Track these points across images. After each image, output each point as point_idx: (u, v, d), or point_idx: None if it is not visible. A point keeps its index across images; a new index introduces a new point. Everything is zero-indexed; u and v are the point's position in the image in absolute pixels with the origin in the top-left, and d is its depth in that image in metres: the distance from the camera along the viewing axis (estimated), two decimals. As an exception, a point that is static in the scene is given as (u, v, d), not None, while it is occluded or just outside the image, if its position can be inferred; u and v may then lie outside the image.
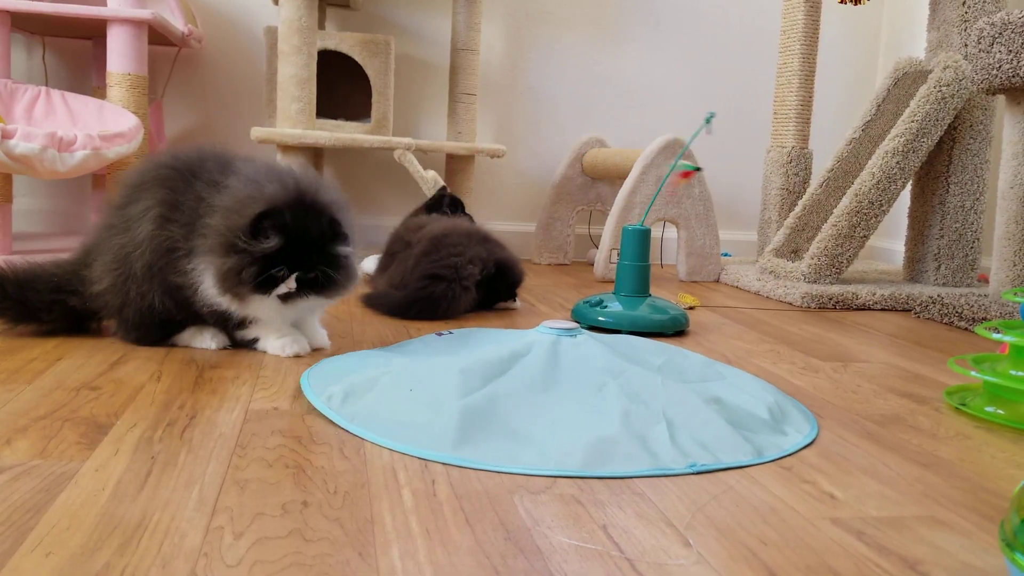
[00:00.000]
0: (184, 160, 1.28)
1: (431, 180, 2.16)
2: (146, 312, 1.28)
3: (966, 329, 1.88)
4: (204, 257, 1.20)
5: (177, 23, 2.31)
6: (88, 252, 1.33)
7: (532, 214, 2.84)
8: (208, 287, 1.21)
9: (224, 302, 1.22)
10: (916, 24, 2.89)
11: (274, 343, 1.31)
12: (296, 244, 1.19)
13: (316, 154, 2.53)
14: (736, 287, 2.37)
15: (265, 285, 1.20)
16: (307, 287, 1.22)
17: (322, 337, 1.39)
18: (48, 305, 1.34)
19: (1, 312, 1.33)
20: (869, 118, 2.38)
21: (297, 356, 1.31)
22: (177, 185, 1.25)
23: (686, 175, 1.82)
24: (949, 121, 2.19)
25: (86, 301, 1.33)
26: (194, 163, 1.27)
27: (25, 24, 2.26)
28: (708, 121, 1.70)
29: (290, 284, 1.21)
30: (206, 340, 1.33)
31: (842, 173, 2.38)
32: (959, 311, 1.90)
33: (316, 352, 1.35)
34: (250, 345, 1.33)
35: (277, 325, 1.31)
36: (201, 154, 1.29)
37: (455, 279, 1.67)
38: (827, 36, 2.96)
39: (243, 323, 1.30)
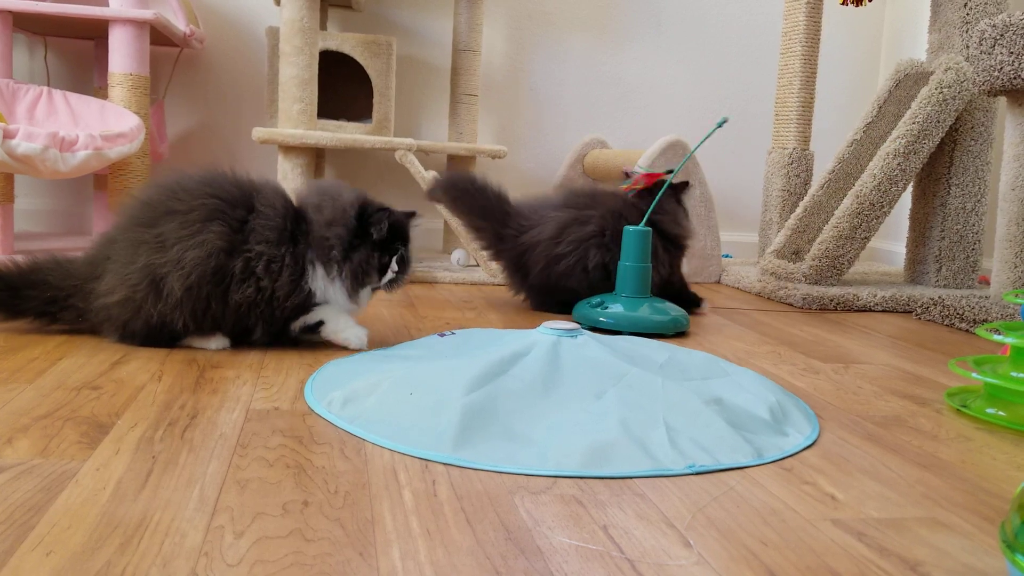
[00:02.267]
0: (225, 190, 1.31)
1: (432, 181, 2.16)
2: (156, 327, 1.29)
3: (967, 331, 1.88)
4: (321, 267, 1.31)
5: (179, 24, 2.31)
6: (97, 265, 1.32)
7: (533, 215, 2.83)
8: (327, 289, 1.33)
9: (343, 298, 1.35)
10: (917, 26, 2.89)
11: (347, 335, 1.36)
12: (394, 229, 1.36)
13: (317, 155, 2.54)
14: (737, 288, 2.37)
15: (381, 273, 1.36)
16: (400, 268, 1.38)
17: None
18: (38, 313, 1.35)
19: None
20: (870, 120, 2.38)
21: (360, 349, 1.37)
22: (231, 215, 1.28)
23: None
24: (950, 123, 2.19)
25: (81, 316, 1.34)
26: (238, 193, 1.31)
27: (27, 24, 2.26)
28: (720, 125, 1.71)
29: (394, 267, 1.36)
30: (208, 341, 1.33)
31: (843, 175, 2.38)
32: (960, 313, 1.90)
33: (327, 347, 1.35)
34: (313, 331, 1.36)
35: (343, 316, 1.36)
36: (235, 181, 1.33)
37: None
38: (828, 38, 2.96)
39: (306, 311, 1.34)
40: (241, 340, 1.36)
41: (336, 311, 1.35)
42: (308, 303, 1.32)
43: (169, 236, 1.26)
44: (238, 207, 1.29)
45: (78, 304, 1.33)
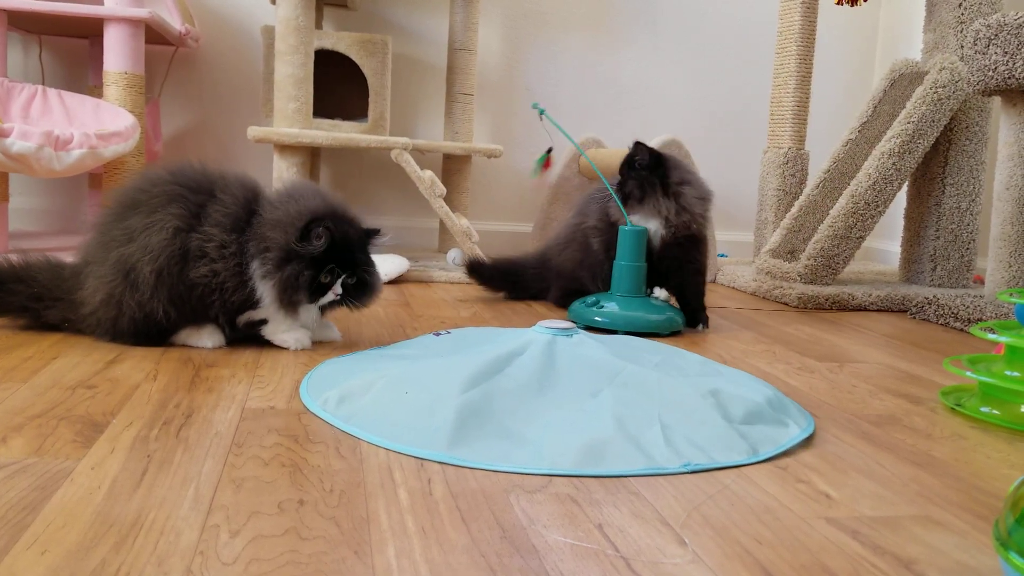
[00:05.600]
0: (188, 177, 1.31)
1: (428, 180, 2.16)
2: (141, 321, 1.29)
3: (962, 330, 1.88)
4: (262, 268, 1.27)
5: (174, 22, 2.31)
6: (79, 275, 1.33)
7: (529, 214, 2.84)
8: (265, 294, 1.28)
9: (277, 312, 1.31)
10: (912, 26, 2.89)
11: (285, 336, 1.35)
12: (339, 248, 1.28)
13: (313, 154, 2.53)
14: (732, 288, 2.37)
15: (316, 293, 1.29)
16: (349, 293, 1.32)
17: (333, 331, 1.44)
18: (20, 309, 1.35)
19: None
20: (865, 119, 2.39)
21: (303, 349, 1.35)
22: (190, 200, 1.28)
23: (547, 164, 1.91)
24: (945, 122, 2.19)
25: (66, 320, 1.34)
26: (201, 179, 1.31)
27: (22, 23, 2.26)
28: (541, 112, 1.73)
29: (336, 290, 1.30)
30: (203, 339, 1.33)
31: (838, 174, 2.38)
32: (955, 312, 1.90)
33: (323, 346, 1.35)
34: (255, 327, 1.34)
35: (287, 317, 1.34)
36: (200, 171, 1.33)
37: None
38: (824, 38, 2.97)
39: (253, 306, 1.32)
40: (235, 337, 1.35)
41: (280, 317, 1.33)
42: (252, 298, 1.29)
43: (135, 226, 1.27)
44: (199, 193, 1.29)
45: (69, 316, 1.33)
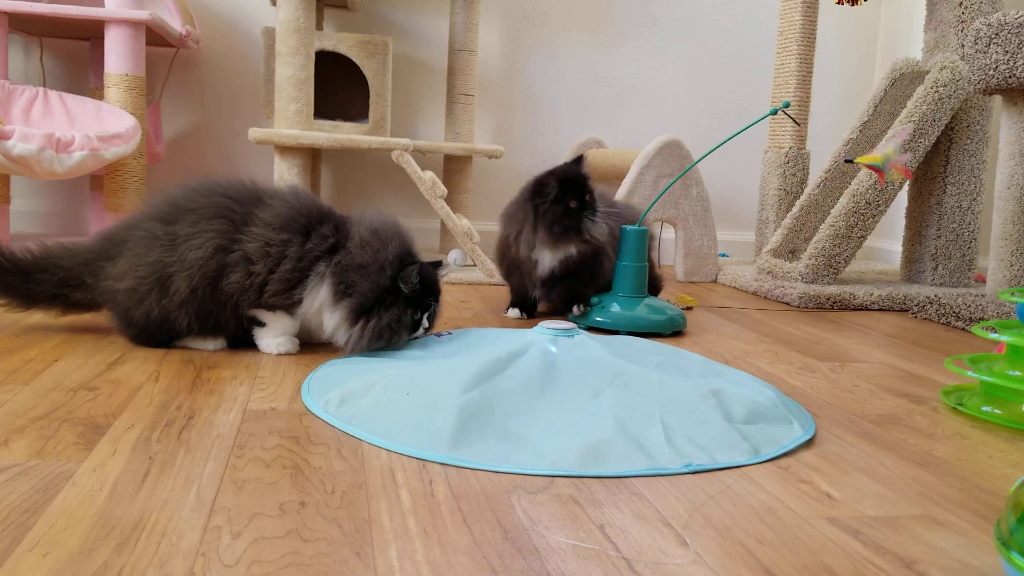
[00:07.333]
0: (238, 190, 1.33)
1: (429, 181, 2.16)
2: (155, 322, 1.29)
3: (963, 329, 1.88)
4: (339, 306, 1.28)
5: (175, 24, 2.31)
6: (113, 245, 1.33)
7: (530, 215, 2.83)
8: (335, 327, 1.29)
9: (277, 320, 1.32)
10: (913, 25, 2.89)
11: (269, 341, 1.34)
12: (426, 284, 1.33)
13: (314, 155, 2.53)
14: (734, 287, 2.37)
15: (414, 328, 1.33)
16: (430, 323, 1.37)
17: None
18: (50, 297, 1.35)
19: (2, 296, 1.34)
20: (866, 119, 2.39)
21: (287, 353, 1.34)
22: (237, 211, 1.29)
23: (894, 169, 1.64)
24: (946, 122, 2.19)
25: (91, 294, 1.34)
26: (251, 193, 1.33)
27: (23, 25, 2.26)
28: (775, 112, 1.69)
29: (424, 324, 1.34)
30: (205, 341, 1.33)
31: (839, 173, 2.38)
32: (956, 311, 1.90)
33: (324, 348, 1.35)
34: (252, 324, 1.34)
35: (282, 327, 1.34)
36: (253, 188, 1.34)
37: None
38: (824, 37, 2.97)
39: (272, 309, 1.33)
40: (238, 341, 1.36)
41: (284, 322, 1.33)
42: (282, 304, 1.30)
43: (180, 234, 1.28)
44: (246, 204, 1.30)
45: (87, 280, 1.33)
